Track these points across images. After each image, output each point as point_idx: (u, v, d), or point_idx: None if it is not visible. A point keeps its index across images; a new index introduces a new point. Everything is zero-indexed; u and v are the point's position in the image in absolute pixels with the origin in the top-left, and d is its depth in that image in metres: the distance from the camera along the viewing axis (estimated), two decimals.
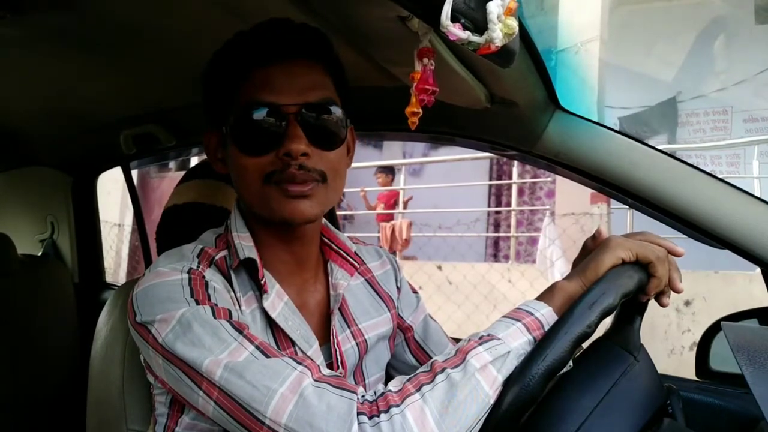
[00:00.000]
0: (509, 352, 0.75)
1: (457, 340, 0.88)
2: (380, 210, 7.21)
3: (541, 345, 0.75)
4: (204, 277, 0.83)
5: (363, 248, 1.08)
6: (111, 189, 7.10)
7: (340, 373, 0.90)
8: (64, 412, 1.82)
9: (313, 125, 0.85)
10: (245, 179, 0.87)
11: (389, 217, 7.13)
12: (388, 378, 1.04)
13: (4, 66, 1.28)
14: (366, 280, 1.04)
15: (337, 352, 0.91)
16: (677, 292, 0.88)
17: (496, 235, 7.57)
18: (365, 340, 0.97)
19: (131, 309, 0.82)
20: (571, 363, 0.80)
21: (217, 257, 0.88)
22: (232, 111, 0.86)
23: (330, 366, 0.90)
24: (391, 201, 7.20)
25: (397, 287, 1.09)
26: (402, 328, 1.08)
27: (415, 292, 1.13)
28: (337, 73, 0.91)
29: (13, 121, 1.69)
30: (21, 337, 1.80)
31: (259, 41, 0.86)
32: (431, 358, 1.07)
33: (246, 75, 0.86)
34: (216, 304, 0.79)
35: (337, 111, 0.88)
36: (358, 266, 1.00)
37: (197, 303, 0.78)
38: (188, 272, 0.82)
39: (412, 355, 1.09)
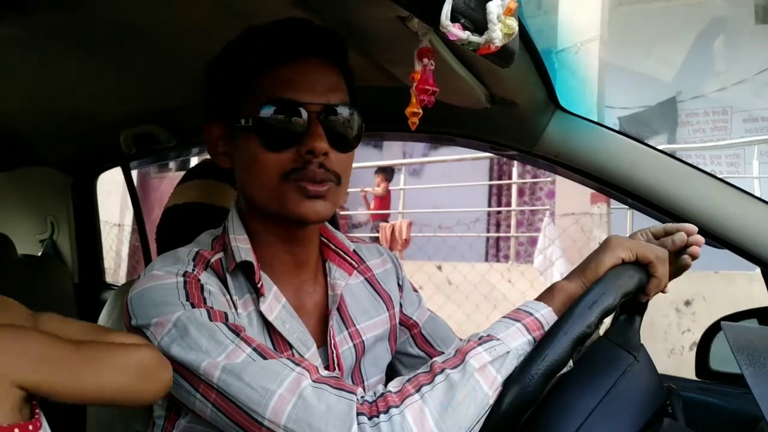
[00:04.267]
0: (508, 352, 0.75)
1: (460, 339, 0.89)
2: (376, 210, 7.24)
3: (540, 345, 0.75)
4: (199, 280, 0.83)
5: (363, 246, 1.07)
6: (111, 189, 7.10)
7: (337, 374, 0.90)
8: (64, 412, 1.82)
9: (333, 126, 0.86)
10: (262, 175, 0.86)
11: (385, 217, 7.14)
12: (389, 379, 1.04)
13: (4, 66, 1.28)
14: (366, 279, 1.03)
15: (334, 354, 0.91)
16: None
17: (497, 235, 7.57)
18: (363, 341, 0.96)
19: (126, 313, 0.81)
20: (571, 363, 0.80)
21: (212, 260, 0.88)
22: (250, 105, 0.86)
23: (327, 368, 0.90)
24: (386, 202, 7.23)
25: (399, 285, 1.08)
26: (407, 325, 1.08)
27: (415, 290, 1.13)
28: (349, 78, 0.92)
29: (13, 121, 1.69)
30: None
31: (278, 37, 0.86)
32: (439, 351, 1.07)
33: (265, 70, 0.86)
34: (212, 307, 0.79)
35: (354, 115, 0.89)
36: (356, 265, 1.00)
37: (193, 306, 0.78)
38: (183, 275, 0.82)
39: (419, 349, 1.08)
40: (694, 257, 0.91)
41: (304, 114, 0.84)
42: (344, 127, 0.87)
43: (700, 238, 0.92)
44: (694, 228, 0.92)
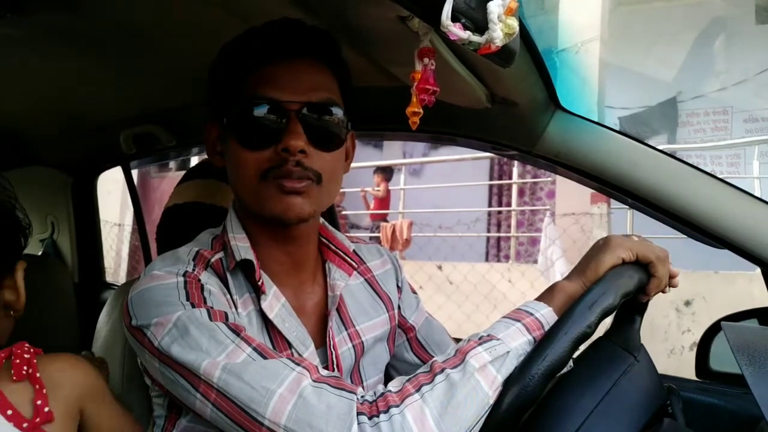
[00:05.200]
0: (508, 352, 0.75)
1: (459, 341, 0.89)
2: (375, 210, 7.25)
3: (541, 345, 0.75)
4: (200, 280, 0.83)
5: (363, 247, 1.07)
6: (111, 189, 7.10)
7: (337, 374, 0.90)
8: None
9: (314, 124, 0.85)
10: (242, 173, 0.86)
11: (384, 217, 7.15)
12: (388, 379, 1.03)
13: (4, 66, 1.28)
14: (366, 279, 1.03)
15: (333, 355, 0.91)
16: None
17: (497, 235, 7.57)
18: (362, 342, 0.96)
19: (127, 313, 0.81)
20: (571, 363, 0.80)
21: (212, 259, 0.88)
22: (235, 104, 0.86)
23: (326, 369, 0.90)
24: (386, 202, 7.24)
25: (398, 287, 1.08)
26: (404, 328, 1.08)
27: (414, 292, 1.13)
28: (342, 77, 0.91)
29: (13, 121, 1.69)
30: (21, 337, 1.80)
31: (268, 38, 0.86)
32: (433, 357, 1.07)
33: (252, 70, 0.86)
34: (212, 307, 0.79)
35: (338, 113, 0.88)
36: (356, 266, 1.00)
37: (193, 306, 0.78)
38: (184, 275, 0.82)
39: (414, 355, 1.08)
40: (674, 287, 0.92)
41: (282, 112, 0.84)
42: (326, 126, 0.86)
43: (675, 271, 0.91)
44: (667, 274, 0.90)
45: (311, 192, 0.85)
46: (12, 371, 0.82)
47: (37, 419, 0.79)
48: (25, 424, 0.78)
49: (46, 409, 0.81)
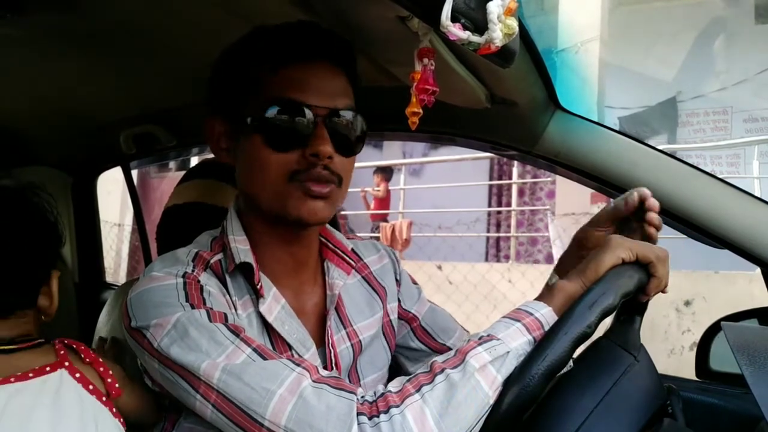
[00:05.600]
0: (509, 352, 0.75)
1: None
2: (376, 210, 7.26)
3: (541, 345, 0.75)
4: (199, 281, 0.83)
5: (360, 243, 1.08)
6: (111, 189, 7.10)
7: (336, 374, 0.90)
8: None
9: (338, 130, 0.86)
10: (267, 174, 0.86)
11: (384, 217, 7.15)
12: (393, 374, 1.04)
13: (4, 66, 1.28)
14: (363, 277, 1.04)
15: (332, 354, 0.91)
16: None
17: (497, 235, 7.58)
18: (360, 340, 0.96)
19: (126, 314, 0.81)
20: (571, 363, 0.80)
21: (212, 261, 0.88)
22: (256, 104, 0.86)
23: (324, 368, 0.90)
24: (386, 202, 7.25)
25: (397, 280, 1.09)
26: (406, 319, 1.08)
27: (415, 283, 1.13)
28: (355, 83, 0.93)
29: (13, 121, 1.69)
30: None
31: (290, 39, 0.86)
32: (440, 342, 1.07)
33: (273, 70, 0.86)
34: (211, 308, 0.79)
35: (359, 120, 0.90)
36: (354, 264, 1.00)
37: (192, 307, 0.78)
38: (183, 276, 0.82)
39: (420, 342, 1.09)
40: (654, 226, 0.91)
41: (310, 116, 0.84)
42: (348, 132, 0.88)
43: (655, 203, 0.91)
44: (647, 192, 0.92)
45: (333, 196, 0.87)
46: (81, 354, 0.93)
47: (113, 392, 0.92)
48: (104, 398, 0.91)
49: (117, 385, 0.93)
